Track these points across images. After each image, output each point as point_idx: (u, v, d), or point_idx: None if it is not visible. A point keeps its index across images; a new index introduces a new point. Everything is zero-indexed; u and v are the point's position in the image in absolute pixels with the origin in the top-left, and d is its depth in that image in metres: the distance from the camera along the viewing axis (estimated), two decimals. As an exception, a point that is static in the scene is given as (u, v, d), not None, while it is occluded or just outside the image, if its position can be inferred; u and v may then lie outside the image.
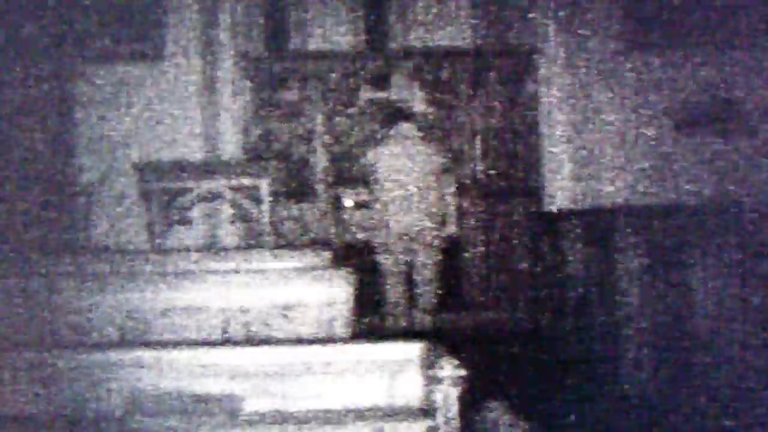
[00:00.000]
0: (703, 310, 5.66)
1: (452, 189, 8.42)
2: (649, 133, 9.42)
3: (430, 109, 9.67)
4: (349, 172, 9.45)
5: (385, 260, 8.29)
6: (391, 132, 8.36)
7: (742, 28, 9.31)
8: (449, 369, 2.87)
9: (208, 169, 8.35)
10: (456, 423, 2.87)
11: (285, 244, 9.02)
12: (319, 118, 9.60)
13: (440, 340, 3.19)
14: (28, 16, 7.91)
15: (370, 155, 8.38)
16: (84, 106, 9.02)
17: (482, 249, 9.52)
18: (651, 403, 6.03)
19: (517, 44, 9.84)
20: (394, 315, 8.34)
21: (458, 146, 9.58)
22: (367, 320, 7.66)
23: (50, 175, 8.32)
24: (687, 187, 9.31)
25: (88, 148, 9.02)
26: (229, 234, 8.88)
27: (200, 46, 9.18)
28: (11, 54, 7.63)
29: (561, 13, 9.42)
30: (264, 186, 8.00)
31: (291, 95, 9.66)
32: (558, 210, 9.20)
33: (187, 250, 7.05)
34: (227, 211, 8.50)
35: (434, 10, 10.34)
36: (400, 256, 8.25)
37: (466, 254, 9.50)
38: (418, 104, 9.65)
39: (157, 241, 7.93)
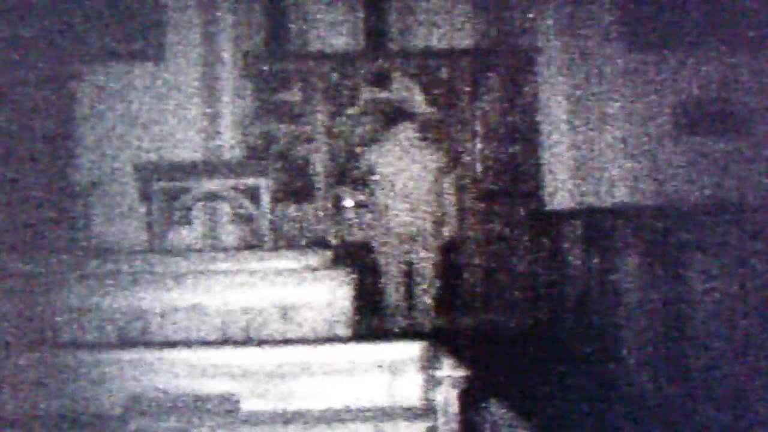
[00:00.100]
0: (703, 310, 5.66)
1: (452, 189, 8.43)
2: (649, 133, 9.42)
3: (430, 109, 9.67)
4: (349, 172, 9.44)
5: (385, 260, 8.30)
6: (391, 132, 8.37)
7: (742, 29, 9.32)
8: (449, 369, 2.87)
9: (208, 169, 8.34)
10: (456, 423, 2.87)
11: (285, 244, 9.02)
12: (320, 119, 9.60)
13: (440, 340, 3.19)
14: (29, 16, 7.91)
15: (370, 155, 8.38)
16: (84, 106, 9.02)
17: (482, 249, 9.52)
18: (651, 403, 6.04)
19: (517, 44, 9.84)
20: (394, 315, 8.34)
21: (458, 146, 9.58)
22: (367, 320, 7.66)
23: (50, 175, 8.32)
24: (687, 187, 9.31)
25: (88, 148, 9.03)
26: (229, 234, 8.88)
27: (200, 46, 9.19)
28: (11, 54, 7.63)
29: (561, 14, 9.43)
30: (264, 186, 8.00)
31: (291, 95, 9.66)
32: (558, 210, 9.20)
33: (187, 250, 7.05)
34: (227, 211, 8.50)
35: (434, 10, 10.34)
36: (400, 256, 8.26)
37: (466, 254, 9.50)
38: (418, 104, 9.65)
39: (157, 241, 7.93)
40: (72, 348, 3.04)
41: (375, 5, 10.33)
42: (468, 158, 9.60)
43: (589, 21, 9.39)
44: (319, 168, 9.58)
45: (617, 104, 9.41)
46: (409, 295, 8.36)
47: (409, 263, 8.30)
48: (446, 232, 8.33)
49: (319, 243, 9.03)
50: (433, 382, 2.87)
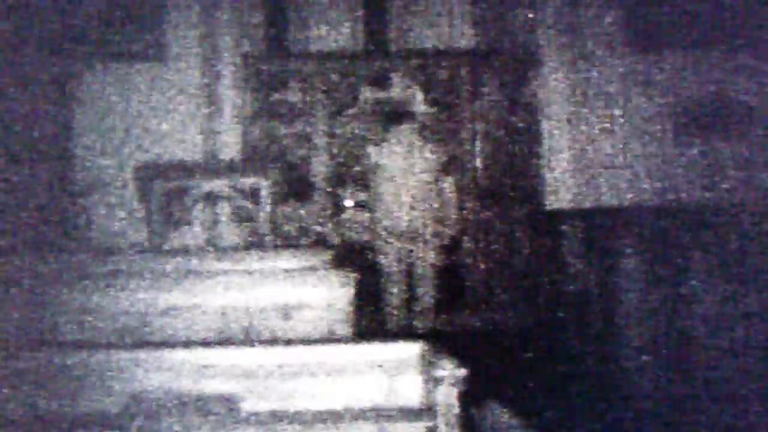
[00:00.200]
0: (703, 310, 5.65)
1: (452, 189, 8.42)
2: (649, 133, 9.42)
3: (430, 109, 9.67)
4: (349, 172, 9.45)
5: (385, 260, 8.30)
6: (391, 132, 8.37)
7: (742, 29, 9.31)
8: (449, 369, 2.87)
9: (208, 169, 8.35)
10: (456, 423, 2.87)
11: (285, 244, 9.02)
12: (320, 119, 9.60)
13: (440, 340, 3.19)
14: (29, 17, 7.91)
15: (370, 155, 8.38)
16: (84, 106, 9.02)
17: (482, 249, 9.52)
18: (651, 403, 6.03)
19: (517, 44, 9.84)
20: (394, 315, 8.34)
21: (458, 146, 9.58)
22: (367, 320, 7.65)
23: (50, 175, 8.32)
24: (687, 187, 9.31)
25: (88, 148, 9.03)
26: (229, 234, 8.88)
27: (200, 46, 9.18)
28: (12, 54, 7.63)
29: (561, 14, 9.43)
30: (264, 186, 8.01)
31: (291, 95, 9.66)
32: (558, 210, 9.20)
33: (187, 250, 7.05)
34: (227, 211, 8.50)
35: (434, 10, 10.34)
36: (400, 256, 8.26)
37: (466, 254, 9.50)
38: (418, 104, 9.66)
39: (157, 241, 7.93)
40: (72, 348, 3.04)
41: (375, 5, 10.33)
42: (468, 158, 9.60)
43: (590, 21, 9.39)
44: (319, 168, 9.58)
45: (617, 104, 9.41)
46: (409, 295, 8.36)
47: (410, 263, 8.30)
48: (446, 232, 8.33)
49: (319, 243, 9.03)
50: (433, 382, 2.87)
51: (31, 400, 2.85)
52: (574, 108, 9.43)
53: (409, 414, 2.90)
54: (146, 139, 9.08)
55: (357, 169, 9.08)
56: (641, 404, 6.08)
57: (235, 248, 8.16)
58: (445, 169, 8.43)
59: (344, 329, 4.43)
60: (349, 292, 4.51)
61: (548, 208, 9.39)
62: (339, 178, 9.57)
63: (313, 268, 5.18)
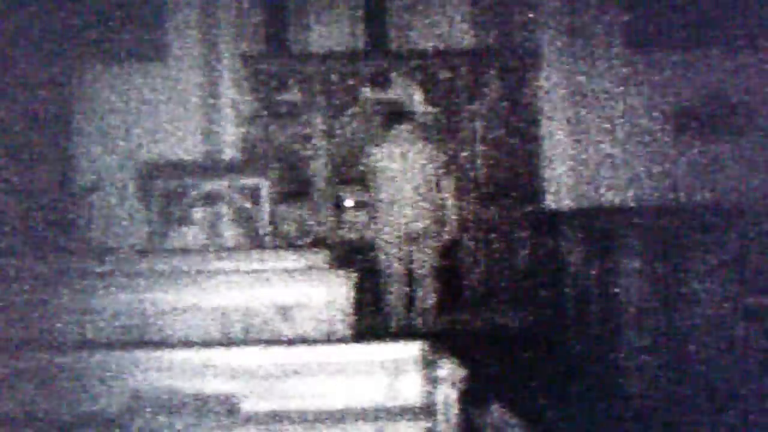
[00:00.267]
0: (703, 309, 5.66)
1: (452, 189, 8.42)
2: (649, 133, 9.42)
3: (430, 109, 9.67)
4: (349, 172, 9.44)
5: (385, 260, 8.29)
6: (391, 132, 8.36)
7: (742, 29, 9.32)
8: (449, 369, 2.87)
9: (208, 169, 8.35)
10: (456, 423, 2.87)
11: (285, 244, 9.02)
12: (319, 119, 9.59)
13: (440, 340, 3.20)
14: (29, 17, 7.91)
15: (370, 155, 8.38)
16: (84, 106, 9.02)
17: (482, 249, 9.52)
18: (651, 403, 6.03)
19: (517, 44, 9.84)
20: (394, 315, 8.34)
21: (458, 146, 9.57)
22: (367, 320, 7.65)
23: (50, 175, 8.32)
24: (687, 187, 9.31)
25: (88, 148, 9.03)
26: (229, 234, 8.88)
27: (200, 46, 9.19)
28: (12, 54, 7.63)
29: (561, 13, 9.43)
30: (264, 186, 8.01)
31: (291, 95, 9.66)
32: (558, 210, 9.19)
33: (187, 250, 7.05)
34: (227, 211, 8.50)
35: (434, 10, 10.34)
36: (400, 256, 8.25)
37: (466, 254, 9.49)
38: (418, 104, 9.65)
39: (157, 241, 7.93)
40: (72, 348, 3.04)
41: (375, 5, 10.33)
42: (468, 158, 9.60)
43: (590, 21, 9.39)
44: (319, 168, 9.58)
45: (617, 104, 9.41)
46: (409, 295, 8.36)
47: (409, 263, 8.29)
48: (446, 232, 8.33)
49: (319, 243, 9.03)
50: (433, 383, 2.87)
51: (31, 400, 2.85)
52: (574, 108, 9.43)
53: (409, 414, 2.90)
54: (146, 139, 9.08)
55: (357, 169, 9.07)
56: (641, 404, 6.07)
57: (235, 248, 8.16)
58: (445, 169, 8.42)
59: (344, 329, 4.43)
60: (349, 292, 4.51)
61: (548, 208, 9.39)
62: (339, 178, 9.57)
63: (313, 268, 5.18)
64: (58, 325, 4.32)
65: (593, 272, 7.18)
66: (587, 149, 9.41)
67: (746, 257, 5.47)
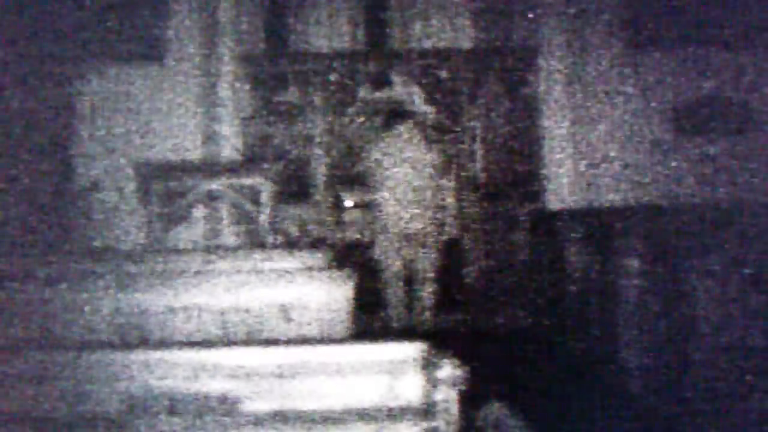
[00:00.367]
0: (703, 310, 5.66)
1: (452, 189, 8.42)
2: (649, 133, 9.42)
3: (430, 109, 9.67)
4: (349, 172, 9.44)
5: (385, 260, 8.30)
6: (391, 132, 8.36)
7: (742, 28, 9.32)
8: (449, 369, 2.87)
9: (208, 169, 8.35)
10: (456, 423, 2.87)
11: (285, 244, 9.02)
12: (319, 118, 9.60)
13: (440, 340, 3.19)
14: (29, 17, 7.91)
15: (370, 155, 8.38)
16: (84, 106, 9.02)
17: (482, 249, 9.52)
18: (651, 403, 6.03)
19: (517, 44, 9.84)
20: (394, 315, 8.34)
21: (458, 146, 9.57)
22: (367, 320, 7.65)
23: (50, 175, 8.32)
24: (687, 187, 9.31)
25: (88, 148, 9.03)
26: (229, 234, 8.88)
27: (200, 46, 9.19)
28: (12, 54, 7.63)
29: (561, 13, 9.43)
30: (264, 186, 8.01)
31: (291, 95, 9.66)
32: (558, 210, 9.20)
33: (187, 250, 7.05)
34: (227, 211, 8.50)
35: (434, 10, 10.34)
36: (400, 256, 8.25)
37: (466, 254, 9.50)
38: (418, 104, 9.66)
39: (157, 241, 7.93)
40: (72, 348, 3.04)
41: (375, 5, 10.33)
42: (468, 158, 9.60)
43: (589, 21, 9.40)
44: (319, 168, 9.58)
45: (617, 104, 9.41)
46: (409, 295, 8.36)
47: (409, 263, 8.30)
48: (446, 232, 8.33)
49: (319, 243, 9.03)
50: (433, 382, 2.87)
51: (31, 400, 2.85)
52: (574, 108, 9.43)
53: (409, 414, 2.90)
54: (146, 139, 9.08)
55: (357, 169, 9.08)
56: (641, 404, 6.08)
57: (235, 248, 8.16)
58: (445, 169, 8.42)
59: (344, 329, 4.43)
60: (349, 292, 4.51)
61: (548, 208, 9.39)
62: (339, 178, 9.57)
63: (313, 268, 5.18)
64: (58, 325, 4.32)
65: (593, 272, 7.18)
66: (587, 149, 9.41)
67: (746, 257, 5.47)
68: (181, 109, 9.12)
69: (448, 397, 2.87)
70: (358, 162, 8.91)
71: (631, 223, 6.75)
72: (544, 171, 9.51)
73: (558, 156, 9.45)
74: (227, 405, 2.84)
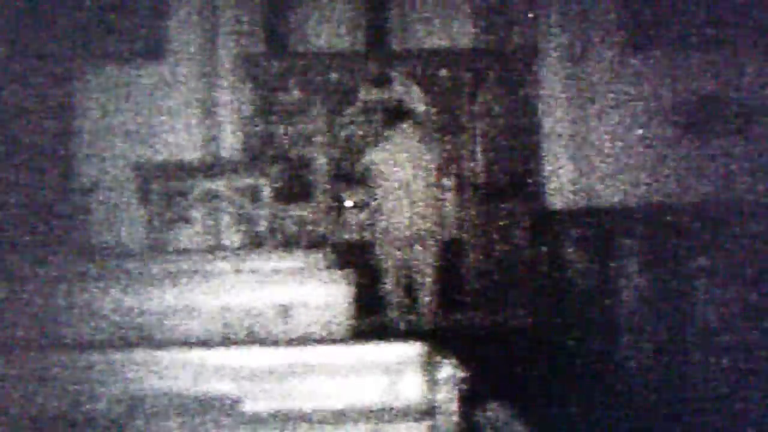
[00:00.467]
0: (703, 310, 5.66)
1: (452, 189, 8.43)
2: (649, 133, 9.42)
3: (430, 109, 9.67)
4: (349, 172, 9.44)
5: (385, 260, 8.29)
6: (391, 132, 8.36)
7: (742, 29, 9.32)
8: (449, 369, 2.87)
9: (208, 169, 8.35)
10: (456, 423, 2.87)
11: (285, 244, 9.02)
12: (319, 119, 9.60)
13: (440, 340, 3.19)
14: (29, 16, 7.91)
15: (370, 155, 8.38)
16: (84, 106, 9.02)
17: (482, 249, 9.52)
18: (651, 403, 6.03)
19: (517, 44, 9.84)
20: (394, 315, 8.34)
21: (458, 146, 9.57)
22: (367, 320, 7.65)
23: (50, 175, 8.32)
24: (687, 187, 9.31)
25: (88, 148, 9.03)
26: (229, 234, 8.88)
27: (200, 46, 9.19)
28: (12, 54, 7.62)
29: (561, 13, 9.43)
30: (264, 186, 8.01)
31: (291, 95, 9.66)
32: (558, 210, 9.20)
33: (187, 250, 7.05)
34: (227, 211, 8.50)
35: (434, 10, 10.34)
36: (400, 256, 8.25)
37: (466, 254, 9.49)
38: (418, 104, 9.65)
39: (157, 241, 7.93)
40: (72, 348, 3.04)
41: (375, 5, 10.33)
42: (468, 158, 9.60)
43: (590, 21, 9.40)
44: (319, 168, 9.58)
45: (617, 104, 9.41)
46: (409, 295, 8.36)
47: (409, 263, 8.30)
48: (446, 232, 8.33)
49: (319, 243, 9.03)
50: (433, 383, 2.87)
51: (31, 400, 2.85)
52: (574, 108, 9.43)
53: (409, 414, 2.90)
54: (146, 139, 9.08)
55: (357, 169, 9.07)
56: (641, 404, 6.07)
57: (235, 248, 8.16)
58: (445, 169, 8.42)
59: (344, 329, 4.43)
60: (349, 292, 4.51)
61: (548, 208, 9.39)
62: (339, 178, 9.57)
63: (313, 268, 5.18)
64: (58, 325, 4.32)
65: (593, 272, 7.18)
66: (587, 149, 9.41)
67: (746, 257, 5.47)
68: (181, 109, 9.12)
69: (448, 397, 2.87)
70: (358, 162, 8.90)
71: (631, 223, 6.75)
72: (544, 171, 9.51)
73: (558, 156, 9.45)
74: (227, 405, 2.84)
